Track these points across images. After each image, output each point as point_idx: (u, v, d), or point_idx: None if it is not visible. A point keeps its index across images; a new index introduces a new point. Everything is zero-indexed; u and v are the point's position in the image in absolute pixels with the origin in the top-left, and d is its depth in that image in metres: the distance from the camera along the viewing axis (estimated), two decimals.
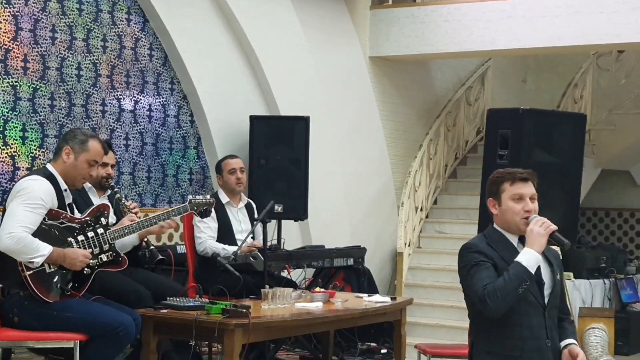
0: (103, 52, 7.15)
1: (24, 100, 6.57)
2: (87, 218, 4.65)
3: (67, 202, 4.59)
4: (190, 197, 5.22)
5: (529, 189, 3.66)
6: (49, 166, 4.62)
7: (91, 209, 4.74)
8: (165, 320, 4.81)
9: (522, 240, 3.65)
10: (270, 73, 8.24)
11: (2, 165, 6.42)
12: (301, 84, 8.60)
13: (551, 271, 3.68)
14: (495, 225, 3.70)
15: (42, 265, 4.37)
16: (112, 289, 4.99)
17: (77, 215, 4.66)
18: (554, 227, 3.58)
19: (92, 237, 4.61)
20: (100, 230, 4.66)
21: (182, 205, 5.20)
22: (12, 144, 6.49)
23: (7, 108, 6.46)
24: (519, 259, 3.53)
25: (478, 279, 3.52)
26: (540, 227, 3.55)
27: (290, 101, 8.36)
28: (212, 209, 5.36)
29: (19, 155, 6.52)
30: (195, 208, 5.18)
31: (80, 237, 4.57)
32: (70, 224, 4.55)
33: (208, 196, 5.34)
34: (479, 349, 3.65)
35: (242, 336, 4.62)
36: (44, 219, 4.42)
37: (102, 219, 4.72)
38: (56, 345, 4.42)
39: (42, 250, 4.33)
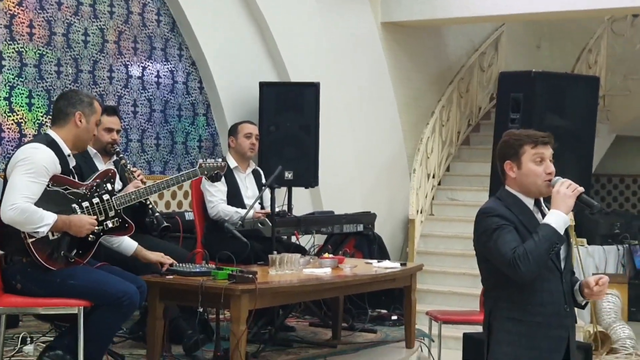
0: (110, 17, 7.08)
1: (30, 67, 6.52)
2: (93, 184, 4.57)
3: (71, 166, 4.52)
4: (200, 161, 5.12)
5: (548, 150, 3.56)
6: (51, 132, 4.54)
7: (97, 174, 4.65)
8: (171, 287, 4.76)
9: (537, 203, 3.57)
10: (280, 39, 8.14)
11: (9, 132, 6.39)
12: (311, 49, 8.51)
13: (565, 235, 3.58)
14: (508, 188, 3.59)
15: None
16: (118, 256, 4.93)
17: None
18: (581, 188, 3.48)
19: (97, 203, 4.53)
20: (105, 197, 4.58)
21: (192, 169, 5.10)
22: (18, 110, 6.46)
23: (13, 74, 6.42)
24: (547, 220, 3.44)
25: (503, 242, 3.41)
26: (567, 189, 3.46)
27: (300, 67, 8.27)
28: (222, 174, 5.25)
29: (25, 122, 6.48)
30: (206, 172, 5.09)
31: (85, 204, 4.49)
32: (74, 190, 4.46)
33: (220, 159, 5.23)
34: (499, 315, 3.56)
35: (248, 302, 4.57)
36: (48, 184, 4.35)
37: (108, 185, 4.63)
38: (60, 312, 4.38)
39: (47, 220, 4.26)
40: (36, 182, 4.29)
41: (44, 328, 5.45)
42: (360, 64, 9.16)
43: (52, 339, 4.84)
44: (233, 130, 6.55)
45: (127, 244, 4.86)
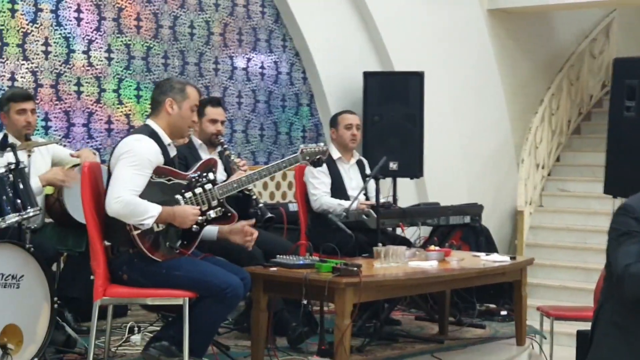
0: (215, 10, 7.11)
1: (138, 59, 6.60)
2: (195, 174, 4.55)
3: (171, 156, 4.51)
4: (302, 146, 5.01)
5: None
6: (150, 122, 4.52)
7: (199, 164, 4.62)
8: (274, 279, 4.72)
9: None
10: (384, 28, 8.04)
11: (118, 123, 6.48)
12: (416, 38, 8.37)
13: None
14: None
15: None
16: (222, 247, 4.91)
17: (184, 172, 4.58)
18: None
19: (199, 193, 4.50)
20: (208, 186, 4.54)
21: (294, 155, 4.98)
22: (127, 102, 6.54)
23: (121, 67, 6.51)
24: None
25: (624, 252, 3.12)
26: None
27: (405, 56, 8.15)
28: (324, 159, 5.13)
29: (133, 113, 6.57)
30: (308, 158, 4.96)
31: (188, 194, 4.47)
32: (177, 181, 4.45)
33: (321, 144, 5.11)
34: (606, 318, 3.31)
35: (353, 295, 4.49)
36: (152, 177, 4.35)
37: (210, 174, 4.58)
38: (166, 302, 4.39)
39: (152, 212, 4.25)
40: (140, 175, 4.29)
41: (151, 318, 5.51)
42: (466, 52, 8.97)
43: (159, 328, 4.87)
44: (333, 122, 6.47)
45: (209, 231, 4.72)
